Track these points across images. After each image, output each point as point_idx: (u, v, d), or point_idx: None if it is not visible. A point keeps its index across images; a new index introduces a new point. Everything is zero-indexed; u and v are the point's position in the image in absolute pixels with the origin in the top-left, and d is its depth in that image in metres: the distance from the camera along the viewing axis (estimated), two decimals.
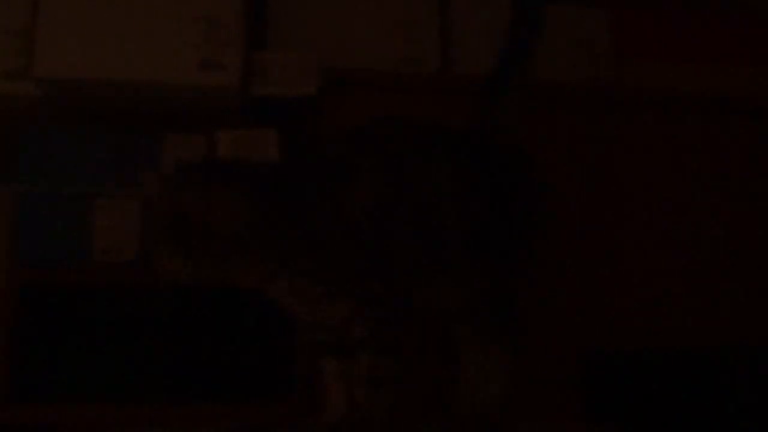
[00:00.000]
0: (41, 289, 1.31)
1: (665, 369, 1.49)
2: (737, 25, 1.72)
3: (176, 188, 1.07)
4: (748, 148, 1.62)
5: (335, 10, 1.50)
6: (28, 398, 1.29)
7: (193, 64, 1.32)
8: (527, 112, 1.26)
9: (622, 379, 1.47)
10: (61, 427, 1.28)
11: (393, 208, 1.10)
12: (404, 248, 1.11)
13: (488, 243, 1.14)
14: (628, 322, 1.49)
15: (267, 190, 1.09)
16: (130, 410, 1.28)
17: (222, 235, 1.06)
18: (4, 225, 1.33)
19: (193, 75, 1.32)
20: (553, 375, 1.43)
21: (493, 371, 1.14)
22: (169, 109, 1.38)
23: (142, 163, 1.36)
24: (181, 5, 1.35)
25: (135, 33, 1.33)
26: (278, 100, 1.38)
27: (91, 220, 1.33)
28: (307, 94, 1.38)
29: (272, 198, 1.08)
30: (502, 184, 1.16)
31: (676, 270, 1.53)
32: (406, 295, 1.12)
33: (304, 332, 1.27)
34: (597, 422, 1.42)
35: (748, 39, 1.72)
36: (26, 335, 1.31)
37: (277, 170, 1.14)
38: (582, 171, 1.53)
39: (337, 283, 1.10)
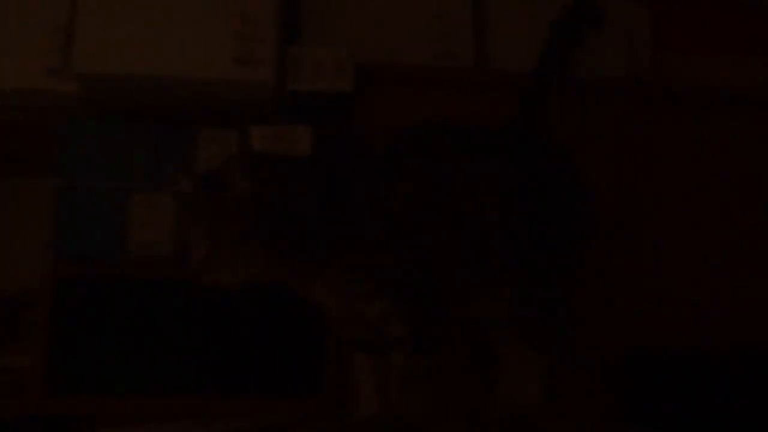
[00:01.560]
0: (78, 283, 1.33)
1: (705, 372, 1.46)
2: None
3: (248, 178, 1.07)
4: None
5: (369, 4, 1.50)
6: (66, 391, 1.31)
7: (228, 60, 1.33)
8: (569, 109, 1.25)
9: (661, 381, 1.45)
10: (98, 419, 1.30)
11: (437, 209, 1.10)
12: (447, 249, 1.10)
13: (533, 246, 1.13)
14: (670, 324, 1.46)
15: (322, 186, 1.09)
16: (164, 402, 1.30)
17: (285, 229, 1.07)
18: (43, 219, 1.35)
19: (228, 70, 1.32)
20: (593, 376, 1.41)
21: (532, 375, 1.13)
22: (204, 104, 1.39)
23: (177, 159, 1.37)
24: (216, 1, 1.35)
25: (171, 29, 1.34)
26: (312, 95, 1.38)
27: (128, 215, 1.34)
28: (342, 89, 1.37)
29: (325, 195, 1.09)
30: (547, 186, 1.14)
31: (719, 271, 1.49)
32: (446, 296, 1.12)
33: (336, 328, 1.27)
34: (636, 424, 1.40)
35: None
36: (64, 328, 1.33)
37: (328, 167, 1.14)
38: (622, 167, 1.50)
39: (378, 281, 1.10)
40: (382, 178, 1.11)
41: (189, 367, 1.32)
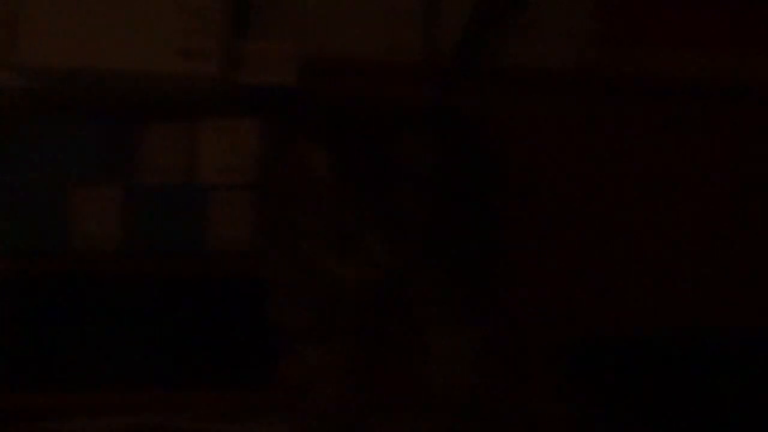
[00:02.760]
0: (23, 278, 1.32)
1: (647, 354, 1.49)
2: (726, 8, 1.72)
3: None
4: (736, 133, 1.61)
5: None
6: (10, 386, 1.30)
7: (175, 53, 1.32)
8: (506, 97, 1.27)
9: (606, 364, 1.48)
10: (43, 414, 1.29)
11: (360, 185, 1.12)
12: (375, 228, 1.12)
13: (455, 229, 1.15)
14: (614, 307, 1.50)
15: None
16: (111, 396, 1.29)
17: None
18: None
19: (175, 64, 1.32)
20: (539, 360, 1.44)
21: (460, 356, 1.15)
22: (151, 97, 1.38)
23: (125, 152, 1.37)
24: None
25: (117, 22, 1.33)
26: (260, 89, 1.39)
27: (74, 209, 1.33)
28: (289, 83, 1.38)
29: None
30: (466, 169, 1.17)
31: (662, 257, 1.54)
32: (380, 279, 1.14)
33: (285, 318, 1.28)
34: (581, 407, 1.43)
35: (737, 22, 1.72)
36: (9, 324, 1.32)
37: None
38: (567, 156, 1.53)
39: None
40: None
41: (136, 361, 1.32)
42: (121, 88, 1.35)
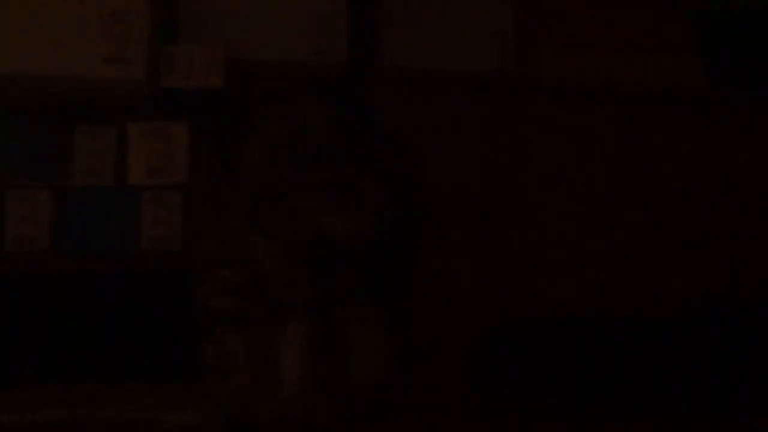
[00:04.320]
0: None
1: (565, 341, 1.56)
2: (642, 12, 1.80)
3: None
4: (649, 134, 1.69)
5: (248, 2, 1.55)
6: None
7: (100, 58, 1.36)
8: (417, 99, 1.33)
9: (521, 351, 1.54)
10: None
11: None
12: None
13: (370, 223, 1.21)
14: (534, 295, 1.56)
15: None
16: (42, 392, 1.33)
17: None
18: None
19: (100, 69, 1.36)
20: (455, 350, 1.50)
21: (372, 348, 1.20)
22: (80, 101, 1.42)
23: (54, 155, 1.40)
24: (93, 2, 1.38)
25: (42, 27, 1.37)
26: (187, 92, 1.43)
27: (4, 211, 1.37)
28: (214, 86, 1.42)
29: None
30: (375, 165, 1.23)
31: (575, 248, 1.61)
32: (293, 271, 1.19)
33: (207, 303, 1.32)
34: (498, 395, 1.49)
35: (653, 26, 1.79)
36: None
37: None
38: (486, 157, 1.60)
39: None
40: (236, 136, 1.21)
41: (65, 358, 1.36)
42: (50, 92, 1.38)
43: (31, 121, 1.41)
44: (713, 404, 1.45)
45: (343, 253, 1.19)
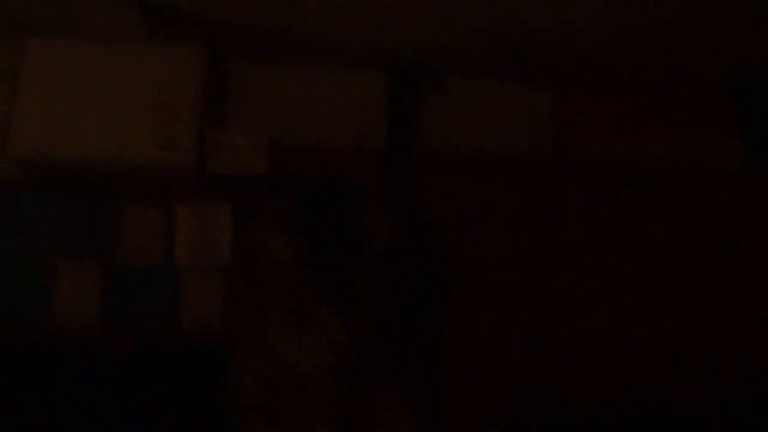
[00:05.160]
0: (6, 348, 1.42)
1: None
2: (674, 95, 1.83)
3: None
4: (688, 212, 1.71)
5: (289, 89, 1.62)
6: None
7: (153, 145, 1.44)
8: (454, 180, 1.38)
9: None
10: None
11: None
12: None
13: (406, 307, 1.26)
14: (565, 388, 1.57)
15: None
16: None
17: None
18: None
19: (151, 154, 1.44)
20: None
21: (405, 422, 1.24)
22: (131, 183, 1.50)
23: (104, 234, 1.48)
24: (145, 92, 1.47)
25: (102, 117, 1.45)
26: (232, 176, 1.50)
27: (55, 286, 1.44)
28: (259, 171, 1.49)
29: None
30: (410, 248, 1.28)
31: (616, 338, 1.61)
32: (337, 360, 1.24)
33: (240, 393, 1.37)
34: None
35: (692, 107, 1.83)
36: None
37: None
38: (527, 237, 1.63)
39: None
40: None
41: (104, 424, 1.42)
42: (104, 175, 1.47)
43: (84, 201, 1.49)
44: None
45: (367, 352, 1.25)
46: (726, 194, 1.71)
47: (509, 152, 1.67)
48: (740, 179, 1.74)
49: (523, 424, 1.50)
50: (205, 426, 1.40)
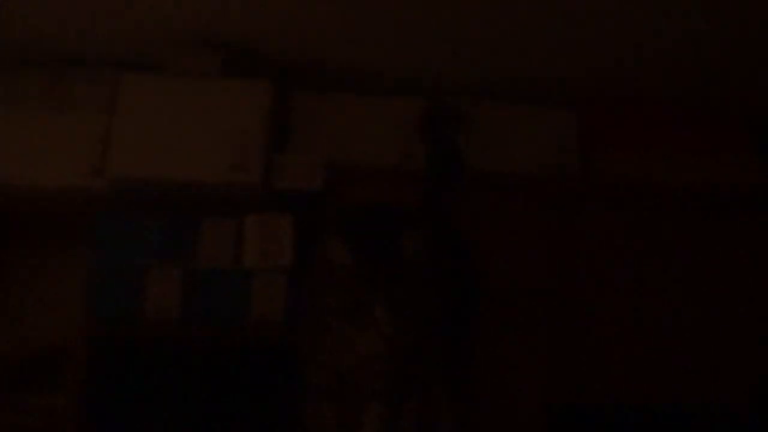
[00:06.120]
0: (107, 341, 1.69)
1: (621, 422, 1.73)
2: (697, 116, 1.98)
3: None
4: (710, 230, 1.86)
5: (342, 116, 1.86)
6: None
7: (225, 166, 1.70)
8: (486, 199, 1.58)
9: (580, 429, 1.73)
10: None
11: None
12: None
13: (444, 308, 1.48)
14: (588, 377, 1.75)
15: None
16: None
17: None
18: (76, 287, 1.72)
19: (224, 175, 1.69)
20: (520, 424, 1.70)
21: (444, 410, 1.46)
22: (207, 198, 1.76)
23: (186, 242, 1.73)
24: (220, 122, 1.73)
25: (183, 141, 1.72)
26: (293, 192, 1.74)
27: (145, 287, 1.70)
28: (316, 187, 1.73)
29: None
30: (449, 260, 1.51)
31: (637, 337, 1.79)
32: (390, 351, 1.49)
33: (309, 379, 1.61)
34: None
35: (709, 129, 1.97)
36: (94, 378, 1.68)
37: None
38: (552, 250, 1.81)
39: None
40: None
41: (194, 416, 1.66)
42: (184, 191, 1.73)
43: (167, 215, 1.75)
44: None
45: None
46: (748, 213, 1.85)
47: (538, 173, 1.86)
48: (762, 198, 1.87)
49: (549, 420, 1.68)
50: (278, 410, 1.63)
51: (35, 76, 1.82)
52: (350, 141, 1.86)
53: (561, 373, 1.72)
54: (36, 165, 1.75)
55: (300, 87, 1.88)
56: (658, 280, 1.81)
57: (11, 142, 1.76)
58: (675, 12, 1.66)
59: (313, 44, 1.79)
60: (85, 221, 1.77)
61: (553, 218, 1.80)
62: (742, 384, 1.77)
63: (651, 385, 1.76)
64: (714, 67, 1.85)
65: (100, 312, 1.70)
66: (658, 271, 1.82)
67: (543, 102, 1.91)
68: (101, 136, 1.76)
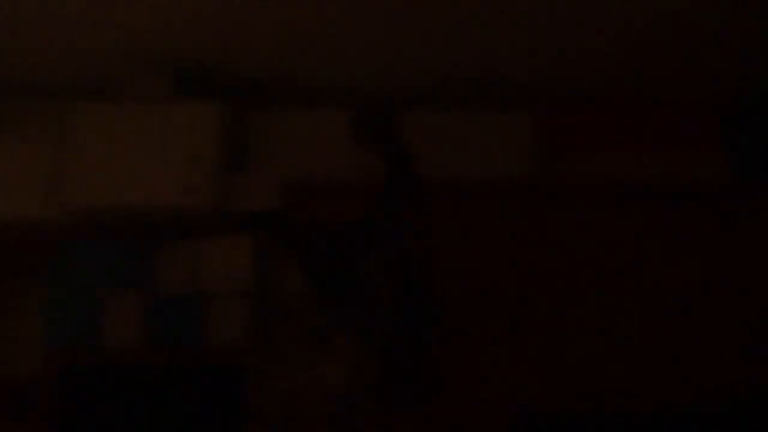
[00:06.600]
0: (71, 370, 1.67)
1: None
2: (660, 113, 1.95)
3: None
4: (675, 230, 1.84)
5: (301, 130, 1.85)
6: None
7: (178, 190, 1.68)
8: (445, 206, 1.57)
9: None
10: None
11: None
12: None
13: (405, 324, 1.46)
14: (556, 388, 1.73)
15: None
16: None
17: None
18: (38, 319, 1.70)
19: (178, 198, 1.67)
20: None
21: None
22: (162, 223, 1.74)
23: (143, 268, 1.72)
24: (171, 145, 1.71)
25: (135, 168, 1.70)
26: (249, 212, 1.72)
27: (105, 315, 1.68)
28: (272, 207, 1.71)
29: None
30: (401, 276, 1.49)
31: (601, 343, 1.77)
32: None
33: (263, 407, 1.59)
34: None
35: (673, 125, 1.95)
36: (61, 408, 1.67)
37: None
38: (515, 256, 1.79)
39: None
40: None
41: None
42: (138, 217, 1.71)
43: (125, 242, 1.73)
44: None
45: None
46: (714, 207, 1.83)
47: (495, 176, 1.84)
48: (727, 192, 1.85)
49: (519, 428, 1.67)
50: None
51: None
52: (308, 156, 1.84)
53: (528, 383, 1.70)
54: None
55: (257, 105, 1.86)
56: (624, 276, 1.79)
57: None
58: (636, 6, 1.63)
59: (267, 61, 1.78)
60: (43, 252, 1.76)
61: (515, 221, 1.78)
62: (719, 388, 1.75)
63: (619, 392, 1.74)
64: (677, 64, 1.83)
65: (59, 342, 1.68)
66: (624, 267, 1.80)
67: (500, 107, 1.90)
68: (54, 166, 1.75)
